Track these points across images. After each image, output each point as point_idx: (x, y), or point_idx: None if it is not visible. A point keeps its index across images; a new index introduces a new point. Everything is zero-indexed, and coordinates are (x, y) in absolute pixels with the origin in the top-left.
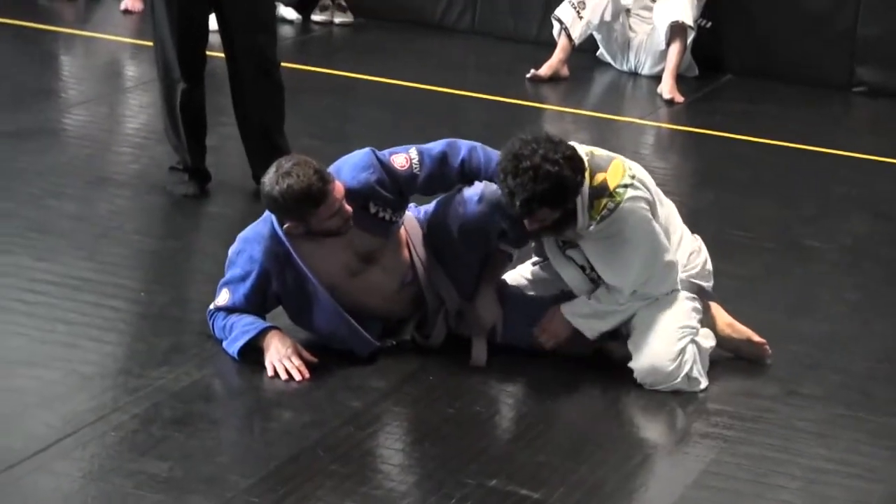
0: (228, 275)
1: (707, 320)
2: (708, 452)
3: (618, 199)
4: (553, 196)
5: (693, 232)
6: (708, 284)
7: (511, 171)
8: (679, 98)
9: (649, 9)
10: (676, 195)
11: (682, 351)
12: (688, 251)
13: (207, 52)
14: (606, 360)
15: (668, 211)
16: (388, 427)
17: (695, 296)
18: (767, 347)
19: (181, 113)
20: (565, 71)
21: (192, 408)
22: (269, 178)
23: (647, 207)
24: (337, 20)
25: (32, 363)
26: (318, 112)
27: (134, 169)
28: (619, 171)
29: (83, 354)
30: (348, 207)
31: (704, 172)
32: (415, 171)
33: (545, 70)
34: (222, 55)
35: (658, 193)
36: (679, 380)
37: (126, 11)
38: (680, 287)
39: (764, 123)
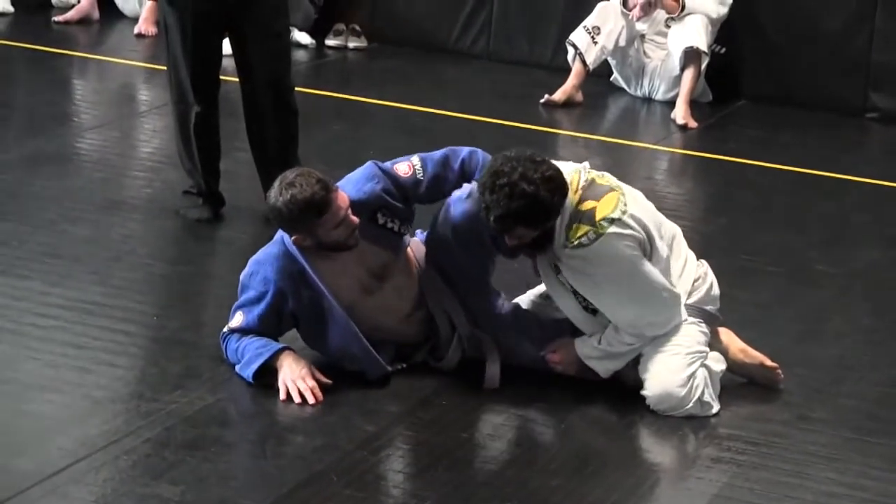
0: (242, 298)
1: (716, 345)
2: (720, 477)
3: (600, 231)
4: (527, 215)
5: (705, 257)
6: (714, 308)
7: (489, 186)
8: (693, 123)
9: (664, 34)
10: (689, 220)
11: (693, 376)
12: (692, 278)
13: (221, 77)
14: (620, 384)
15: (672, 238)
16: (402, 451)
17: (701, 320)
18: (780, 372)
19: (195, 137)
20: (579, 96)
21: (205, 432)
22: (273, 191)
23: (633, 245)
24: (351, 45)
25: (45, 387)
26: (332, 137)
27: (147, 193)
28: (612, 204)
29: (96, 379)
30: (354, 217)
31: (717, 198)
32: (418, 176)
33: (559, 95)
34: (236, 79)
35: (659, 226)
36: (691, 405)
37: (140, 35)
38: (686, 315)
39: (777, 149)
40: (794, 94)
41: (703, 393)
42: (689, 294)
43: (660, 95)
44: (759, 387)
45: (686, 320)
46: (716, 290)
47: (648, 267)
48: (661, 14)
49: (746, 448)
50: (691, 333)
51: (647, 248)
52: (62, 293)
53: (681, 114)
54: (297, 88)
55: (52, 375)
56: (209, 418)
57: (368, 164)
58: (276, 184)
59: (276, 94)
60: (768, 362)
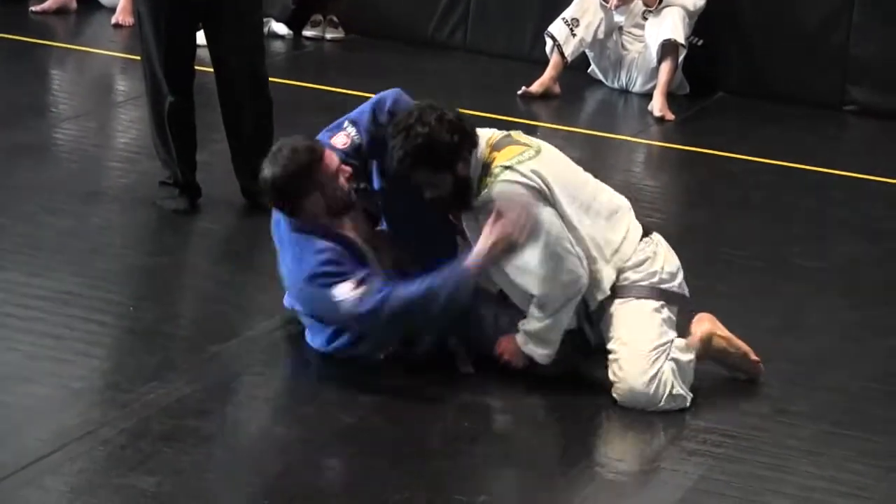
0: (325, 281)
1: (696, 329)
2: (696, 470)
3: (492, 178)
4: (423, 155)
5: (683, 249)
6: (675, 285)
7: (391, 133)
8: (670, 116)
9: (641, 27)
10: (666, 213)
11: (659, 371)
12: (629, 254)
13: (197, 67)
14: (595, 377)
15: (614, 212)
16: (378, 443)
17: (662, 303)
18: (762, 366)
19: (170, 127)
20: (557, 88)
21: (182, 423)
22: (265, 170)
23: (525, 193)
24: (328, 36)
25: (22, 378)
26: (309, 128)
27: (125, 184)
28: (510, 154)
29: (72, 369)
30: (346, 167)
31: (694, 190)
32: (356, 142)
33: (536, 87)
34: (211, 70)
35: (575, 192)
36: (662, 402)
37: (117, 25)
38: (640, 296)
39: (755, 142)
40: (771, 86)
41: (672, 387)
42: (642, 274)
43: (637, 88)
44: (737, 379)
45: (645, 304)
46: (670, 268)
47: (547, 216)
48: (638, 6)
49: (723, 441)
50: (654, 325)
51: (549, 203)
52: (40, 284)
53: (658, 106)
54: (274, 79)
55: (28, 366)
56: (186, 409)
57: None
58: (266, 163)
59: (251, 84)
60: (752, 356)
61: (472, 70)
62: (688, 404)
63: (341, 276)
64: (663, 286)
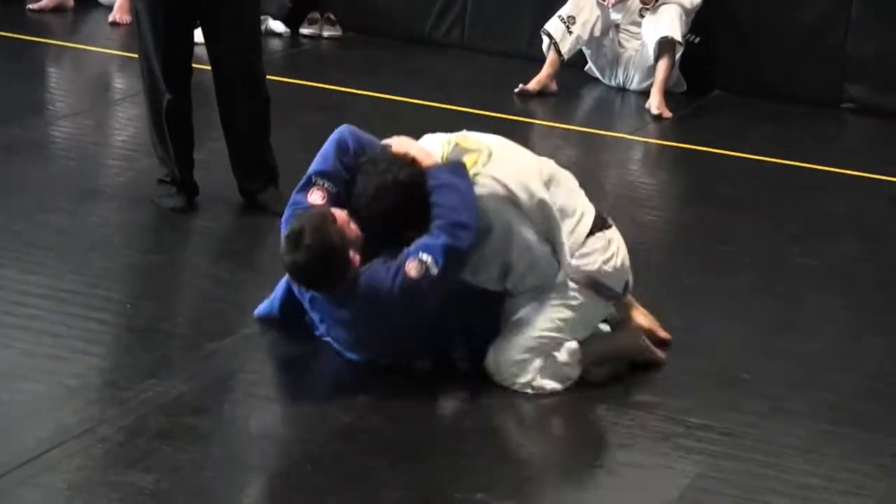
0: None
1: (625, 322)
2: (693, 468)
3: None
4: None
5: (680, 247)
6: (614, 282)
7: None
8: (667, 114)
9: (637, 24)
10: (663, 210)
11: (529, 361)
12: (580, 241)
13: (195, 65)
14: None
15: (564, 204)
16: (376, 442)
17: (575, 297)
18: (662, 356)
19: (167, 125)
20: (554, 86)
21: (179, 421)
22: (293, 257)
23: (495, 203)
24: (326, 34)
25: (20, 375)
26: (307, 126)
27: (122, 181)
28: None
29: (70, 367)
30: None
31: (692, 188)
32: (332, 192)
33: (533, 85)
34: (209, 67)
35: (527, 183)
36: (517, 386)
37: (114, 23)
38: (570, 279)
39: (752, 140)
40: (769, 84)
41: (533, 379)
42: (582, 259)
43: (634, 85)
44: (733, 377)
45: (566, 292)
46: (617, 264)
47: (516, 224)
48: (635, 3)
49: (721, 439)
50: (551, 317)
51: (515, 204)
52: (38, 281)
53: (655, 104)
54: (271, 77)
55: (25, 363)
56: (183, 407)
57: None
58: (290, 252)
59: (248, 82)
60: (662, 333)
61: (469, 68)
62: (547, 390)
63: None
64: (603, 279)
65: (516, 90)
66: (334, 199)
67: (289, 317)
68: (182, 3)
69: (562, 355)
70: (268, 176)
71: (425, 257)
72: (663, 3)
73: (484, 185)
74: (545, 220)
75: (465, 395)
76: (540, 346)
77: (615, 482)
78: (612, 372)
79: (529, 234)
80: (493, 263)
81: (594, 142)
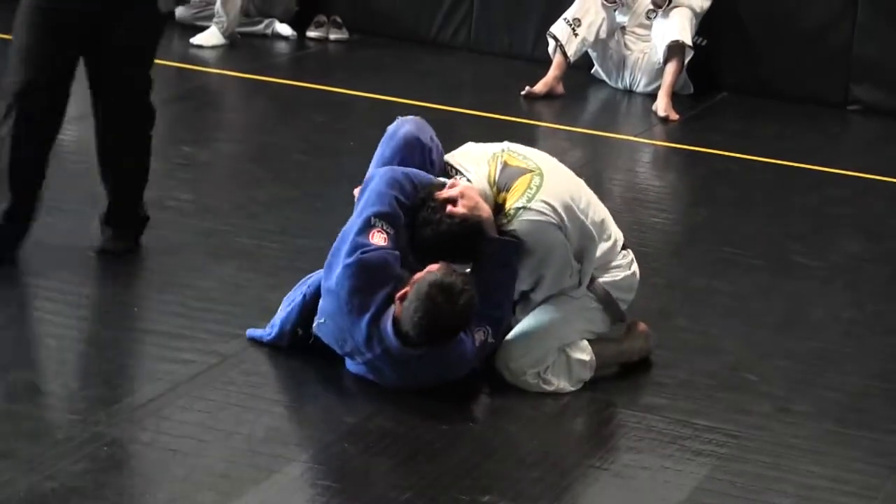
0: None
1: (628, 341)
2: (700, 470)
3: (509, 219)
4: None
5: (686, 249)
6: (622, 300)
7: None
8: (674, 116)
9: (645, 27)
10: (670, 212)
11: (542, 360)
12: (609, 259)
13: (195, 67)
14: (598, 379)
15: (602, 222)
16: (382, 443)
17: (601, 306)
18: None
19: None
20: (560, 88)
21: (184, 423)
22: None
23: (546, 227)
24: (332, 37)
25: (22, 381)
26: (312, 128)
27: None
28: (520, 190)
29: (74, 370)
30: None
31: (698, 190)
32: (392, 235)
33: (540, 87)
34: (210, 70)
35: (579, 206)
36: (526, 376)
37: None
38: (591, 292)
39: (758, 141)
40: (775, 86)
41: (542, 372)
42: (607, 270)
43: (641, 88)
44: (739, 378)
45: (585, 301)
46: (632, 283)
47: (559, 246)
48: (641, 6)
49: (727, 441)
50: (576, 326)
51: (566, 230)
52: (42, 284)
53: (662, 106)
54: (277, 80)
55: (32, 367)
56: (188, 410)
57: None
58: (443, 321)
59: (133, 118)
60: (642, 326)
61: (475, 70)
62: (550, 390)
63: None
64: (617, 295)
65: (523, 93)
66: (394, 241)
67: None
68: (71, 26)
69: (575, 353)
70: (138, 231)
71: (486, 328)
72: (674, 6)
73: (537, 210)
74: (582, 240)
75: (471, 397)
76: (548, 347)
77: (623, 484)
78: (617, 373)
79: (568, 255)
80: (526, 280)
81: (601, 144)
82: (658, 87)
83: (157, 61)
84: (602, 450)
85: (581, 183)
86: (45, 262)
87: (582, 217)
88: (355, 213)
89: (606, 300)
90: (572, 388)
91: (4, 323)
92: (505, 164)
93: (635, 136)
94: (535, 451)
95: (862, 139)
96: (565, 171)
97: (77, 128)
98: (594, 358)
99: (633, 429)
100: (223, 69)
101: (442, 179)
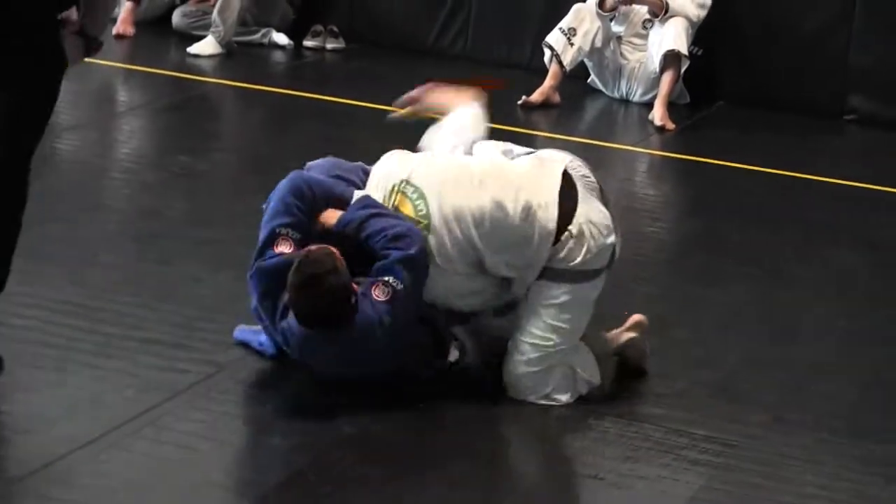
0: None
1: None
2: (696, 479)
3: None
4: None
5: (682, 258)
6: (595, 263)
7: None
8: (670, 125)
9: (641, 36)
10: (665, 222)
11: (544, 373)
12: (559, 255)
13: (191, 76)
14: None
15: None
16: (378, 453)
17: (561, 294)
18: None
19: None
20: (557, 97)
21: (183, 432)
22: (306, 303)
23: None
24: (329, 46)
25: (22, 388)
26: (309, 137)
27: (125, 194)
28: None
29: (74, 379)
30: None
31: (694, 199)
32: (296, 239)
33: (536, 96)
34: (210, 80)
35: (485, 231)
36: (531, 398)
37: (118, 36)
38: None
39: (754, 151)
40: (771, 95)
41: (550, 394)
42: (556, 262)
43: (637, 97)
44: (735, 388)
45: (540, 306)
46: (593, 249)
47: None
48: (638, 16)
49: (723, 450)
50: (544, 321)
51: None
52: (38, 293)
53: (658, 115)
54: (274, 89)
55: (27, 376)
56: (187, 419)
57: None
58: (305, 301)
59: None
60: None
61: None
62: (558, 402)
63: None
64: (582, 269)
65: (520, 102)
66: (301, 247)
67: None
68: None
69: (582, 372)
70: None
71: (385, 278)
72: (670, 16)
73: (437, 231)
74: (495, 257)
75: (468, 407)
76: (545, 354)
77: (619, 494)
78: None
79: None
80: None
81: (597, 153)
82: (654, 97)
83: (153, 70)
84: (600, 459)
85: (482, 196)
86: (40, 272)
87: (481, 249)
88: (263, 223)
89: (575, 277)
90: (571, 400)
91: None
92: (396, 209)
93: (632, 145)
94: (533, 460)
95: (858, 149)
96: (462, 197)
97: (73, 137)
98: (599, 379)
99: (629, 438)
100: (220, 78)
101: (348, 190)
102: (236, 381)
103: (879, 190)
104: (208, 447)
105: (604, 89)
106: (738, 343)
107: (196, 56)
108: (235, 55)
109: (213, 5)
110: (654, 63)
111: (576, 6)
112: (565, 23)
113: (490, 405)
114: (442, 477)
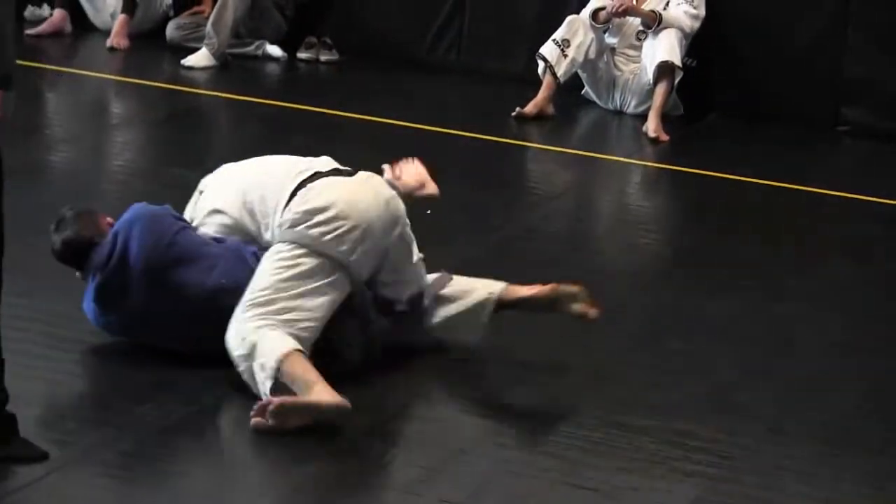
0: None
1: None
2: (691, 491)
3: None
4: None
5: (676, 270)
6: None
7: None
8: (664, 137)
9: (634, 48)
10: (659, 234)
11: (248, 333)
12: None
13: (185, 88)
14: (588, 395)
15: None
16: (373, 465)
17: (289, 257)
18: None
19: None
20: (550, 109)
21: (177, 444)
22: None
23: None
24: (322, 58)
25: (13, 399)
26: (302, 150)
27: (119, 206)
28: None
29: (65, 390)
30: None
31: (688, 211)
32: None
33: (530, 108)
34: (199, 91)
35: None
36: (242, 367)
37: (112, 49)
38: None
39: (748, 163)
40: (765, 107)
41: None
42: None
43: (631, 109)
44: (730, 399)
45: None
46: (306, 206)
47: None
48: (631, 27)
49: (718, 462)
50: (268, 279)
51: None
52: (30, 305)
53: (652, 127)
54: (268, 101)
55: (19, 387)
56: (183, 430)
57: None
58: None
59: None
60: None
61: (464, 91)
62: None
63: None
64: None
65: (513, 114)
66: None
67: None
68: None
69: (259, 370)
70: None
71: None
72: (663, 28)
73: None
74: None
75: (465, 416)
76: (258, 316)
77: None
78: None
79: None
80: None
81: (591, 165)
82: (648, 108)
83: (147, 83)
84: (593, 471)
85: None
86: (32, 284)
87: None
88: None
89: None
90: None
91: None
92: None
93: (625, 156)
94: (528, 470)
95: (852, 160)
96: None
97: (67, 149)
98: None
99: (623, 450)
100: (213, 90)
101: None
102: (229, 393)
103: (874, 201)
104: (200, 460)
105: (598, 101)
106: (734, 355)
107: (190, 68)
108: (229, 67)
109: (207, 17)
110: (648, 74)
111: (569, 18)
112: (559, 34)
113: (481, 414)
114: (437, 486)
